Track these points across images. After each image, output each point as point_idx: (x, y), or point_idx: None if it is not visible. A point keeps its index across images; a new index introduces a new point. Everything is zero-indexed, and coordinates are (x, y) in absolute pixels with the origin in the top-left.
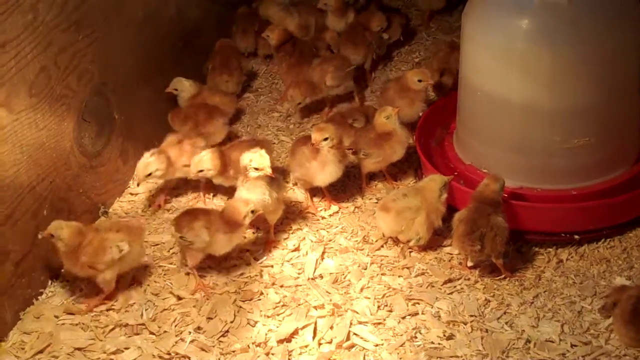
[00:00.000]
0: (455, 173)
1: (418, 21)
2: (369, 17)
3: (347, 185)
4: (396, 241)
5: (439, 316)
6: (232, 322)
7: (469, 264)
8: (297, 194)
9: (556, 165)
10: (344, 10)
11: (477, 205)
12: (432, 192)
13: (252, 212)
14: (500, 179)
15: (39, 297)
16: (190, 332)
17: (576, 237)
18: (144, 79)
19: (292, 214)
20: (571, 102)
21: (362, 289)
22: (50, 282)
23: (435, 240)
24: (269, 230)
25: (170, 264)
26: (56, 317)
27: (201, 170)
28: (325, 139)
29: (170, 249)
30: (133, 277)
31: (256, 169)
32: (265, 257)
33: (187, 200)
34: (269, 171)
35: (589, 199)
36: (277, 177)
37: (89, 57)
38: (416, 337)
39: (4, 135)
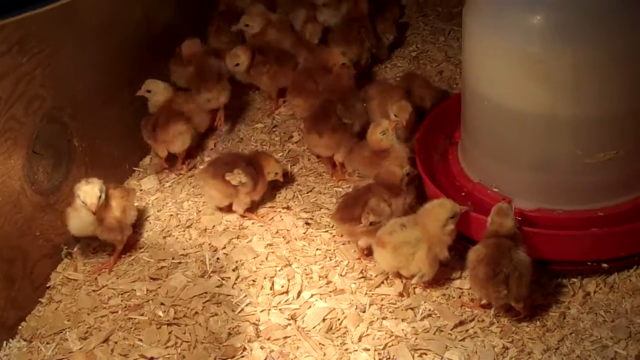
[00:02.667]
0: (463, 193)
1: (412, 8)
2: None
3: None
4: (398, 275)
5: None
6: None
7: (483, 301)
8: (284, 219)
9: (579, 183)
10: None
11: (495, 241)
12: (436, 220)
13: (407, 174)
14: (509, 210)
15: None
16: None
17: (604, 265)
18: (108, 96)
19: (279, 245)
20: (597, 110)
21: (360, 338)
22: (5, 343)
23: (443, 272)
24: None
25: (141, 315)
26: None
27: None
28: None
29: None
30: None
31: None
32: (248, 301)
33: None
34: (92, 208)
35: (618, 221)
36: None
37: (37, 80)
38: None
39: None
